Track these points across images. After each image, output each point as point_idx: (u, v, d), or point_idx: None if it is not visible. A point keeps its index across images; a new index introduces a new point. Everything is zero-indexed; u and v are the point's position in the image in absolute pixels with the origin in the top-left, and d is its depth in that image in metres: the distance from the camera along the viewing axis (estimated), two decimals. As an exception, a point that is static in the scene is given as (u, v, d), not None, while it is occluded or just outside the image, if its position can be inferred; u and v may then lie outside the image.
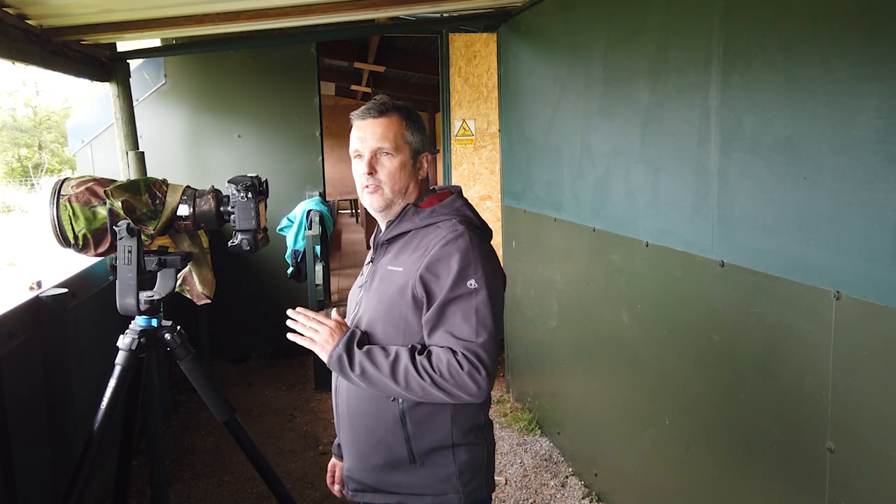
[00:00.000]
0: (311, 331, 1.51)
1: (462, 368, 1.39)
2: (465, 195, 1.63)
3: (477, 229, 1.54)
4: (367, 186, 1.54)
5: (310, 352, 1.55)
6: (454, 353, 1.41)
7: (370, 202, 1.55)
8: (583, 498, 3.11)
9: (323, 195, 5.14)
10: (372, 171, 1.52)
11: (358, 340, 1.49)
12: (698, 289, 2.20)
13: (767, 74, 1.83)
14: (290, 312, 1.55)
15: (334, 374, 1.60)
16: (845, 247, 1.60)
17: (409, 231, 1.54)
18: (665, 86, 2.33)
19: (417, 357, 1.43)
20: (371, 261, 1.64)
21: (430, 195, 1.60)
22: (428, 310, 1.45)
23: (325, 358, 1.49)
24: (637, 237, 2.56)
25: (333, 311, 1.58)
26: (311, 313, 1.54)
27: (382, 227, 1.62)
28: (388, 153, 1.52)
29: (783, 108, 1.78)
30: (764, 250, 1.88)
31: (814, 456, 1.73)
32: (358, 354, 1.45)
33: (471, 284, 1.43)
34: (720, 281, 2.08)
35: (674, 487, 2.44)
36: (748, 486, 2.01)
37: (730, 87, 1.99)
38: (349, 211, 14.94)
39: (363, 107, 1.55)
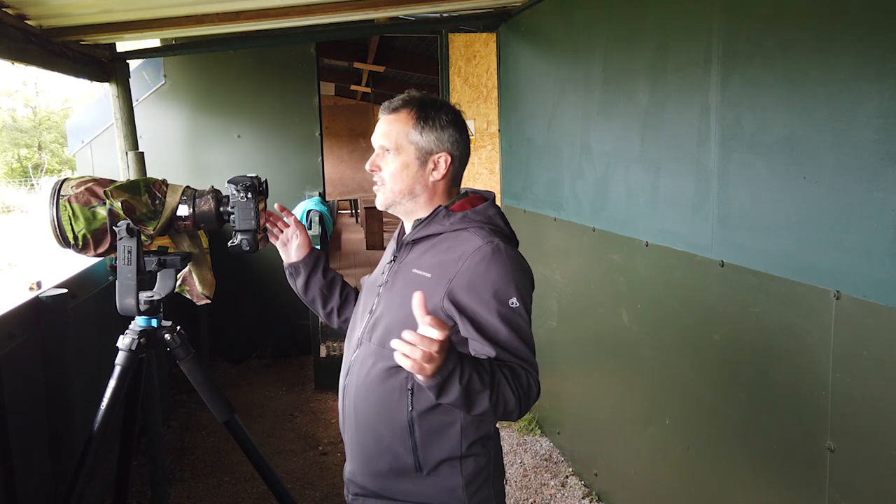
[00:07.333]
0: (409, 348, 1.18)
1: (534, 386, 1.33)
2: None
3: (508, 240, 1.47)
4: (374, 183, 1.52)
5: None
6: (524, 370, 1.34)
7: (376, 199, 1.53)
8: (583, 498, 3.11)
9: (323, 195, 5.15)
10: (374, 168, 1.50)
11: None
12: (698, 289, 2.20)
13: (767, 74, 1.83)
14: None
15: (342, 374, 1.57)
16: (845, 246, 1.60)
17: (439, 234, 1.48)
18: (665, 85, 2.33)
19: (505, 371, 1.31)
20: (393, 259, 1.57)
21: (463, 199, 1.55)
22: (464, 325, 1.38)
23: (423, 379, 1.21)
24: (637, 237, 2.56)
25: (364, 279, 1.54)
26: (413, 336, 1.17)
27: (408, 226, 1.56)
28: (388, 151, 1.49)
29: (783, 107, 1.78)
30: (764, 250, 1.88)
31: (814, 456, 1.73)
32: (465, 374, 1.23)
33: (512, 303, 1.37)
34: (720, 281, 2.08)
35: (674, 487, 2.44)
36: (748, 485, 2.01)
37: (730, 86, 1.99)
38: (349, 211, 14.94)
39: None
